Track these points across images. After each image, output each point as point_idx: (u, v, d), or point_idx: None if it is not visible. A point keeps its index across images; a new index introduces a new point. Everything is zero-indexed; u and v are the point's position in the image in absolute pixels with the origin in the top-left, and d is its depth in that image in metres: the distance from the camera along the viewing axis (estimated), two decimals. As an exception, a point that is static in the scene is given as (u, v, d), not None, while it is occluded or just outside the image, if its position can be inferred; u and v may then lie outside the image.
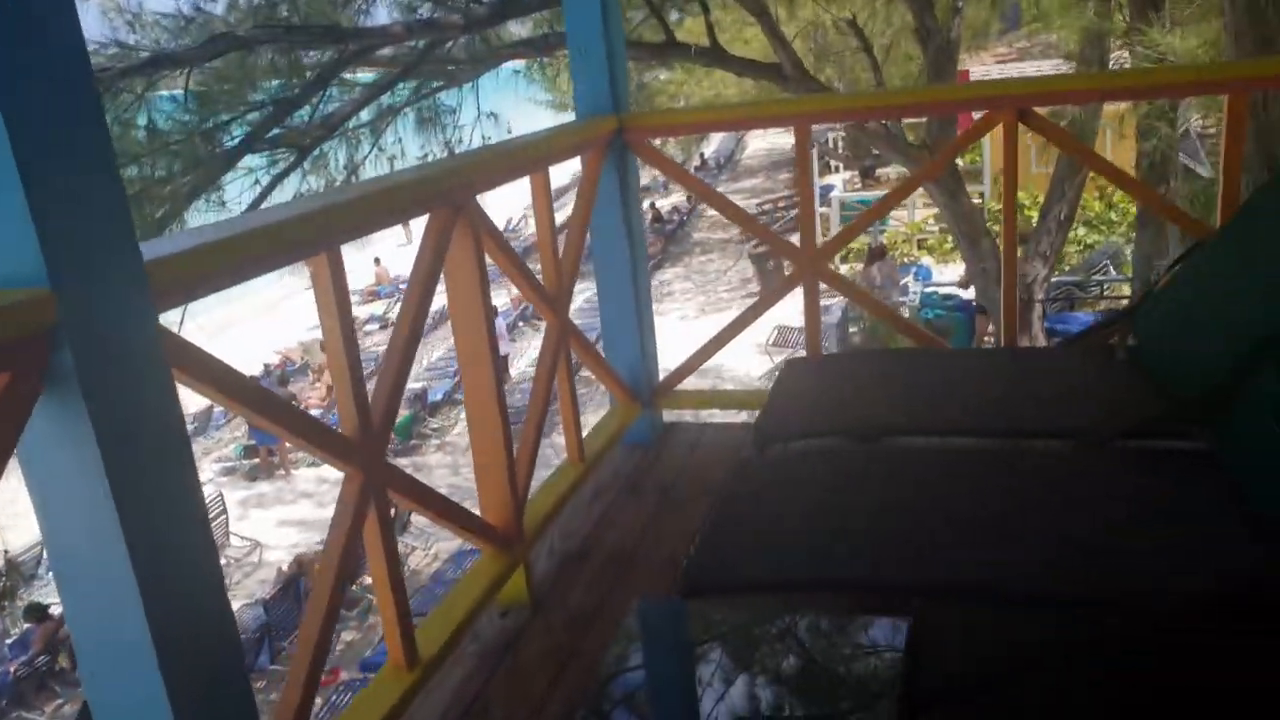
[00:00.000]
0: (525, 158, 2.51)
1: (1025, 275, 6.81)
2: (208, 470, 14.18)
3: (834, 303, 14.28)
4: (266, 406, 1.63)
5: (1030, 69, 17.64)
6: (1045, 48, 23.62)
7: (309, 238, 1.70)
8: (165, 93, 5.30)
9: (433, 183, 2.07)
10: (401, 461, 14.37)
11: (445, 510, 2.22)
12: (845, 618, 1.72)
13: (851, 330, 12.14)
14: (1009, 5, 15.88)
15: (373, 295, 21.88)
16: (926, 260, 16.56)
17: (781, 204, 21.47)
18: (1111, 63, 6.91)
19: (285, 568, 10.71)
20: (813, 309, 3.10)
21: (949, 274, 15.30)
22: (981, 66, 19.45)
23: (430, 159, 8.38)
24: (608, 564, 2.63)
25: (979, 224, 6.85)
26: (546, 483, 2.79)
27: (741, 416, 4.39)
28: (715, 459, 3.17)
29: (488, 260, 2.27)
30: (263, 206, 6.98)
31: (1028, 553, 1.81)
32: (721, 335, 3.26)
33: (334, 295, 1.79)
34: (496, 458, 2.40)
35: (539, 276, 2.70)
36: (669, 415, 3.48)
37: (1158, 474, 2.03)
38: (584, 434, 2.97)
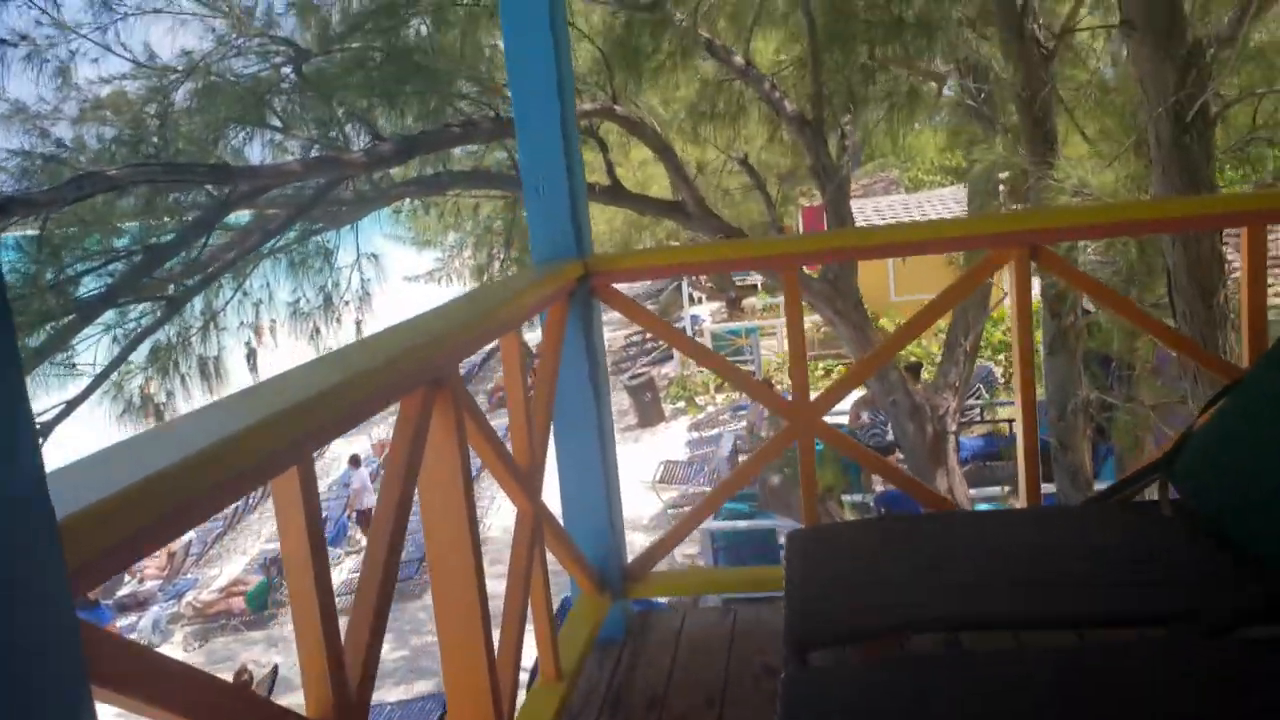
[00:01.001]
0: (502, 318, 2.07)
1: (937, 407, 6.74)
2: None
3: (725, 430, 14.09)
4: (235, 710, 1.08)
5: (883, 205, 18.54)
6: (887, 184, 25.16)
7: (277, 451, 1.20)
8: (8, 236, 4.56)
9: (416, 356, 1.60)
10: (255, 635, 12.93)
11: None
12: None
13: (741, 457, 11.89)
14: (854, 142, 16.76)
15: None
16: (800, 388, 16.70)
17: (650, 335, 21.50)
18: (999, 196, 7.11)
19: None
20: (808, 469, 2.72)
21: (823, 401, 15.40)
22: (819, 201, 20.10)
23: (304, 304, 7.79)
24: (614, 819, 2.08)
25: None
26: (523, 715, 2.24)
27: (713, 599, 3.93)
28: (705, 656, 2.69)
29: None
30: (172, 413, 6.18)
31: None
32: (703, 506, 2.84)
33: (305, 521, 1.28)
34: (480, 696, 1.87)
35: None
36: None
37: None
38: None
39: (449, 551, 1.84)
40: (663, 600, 5.02)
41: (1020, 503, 2.79)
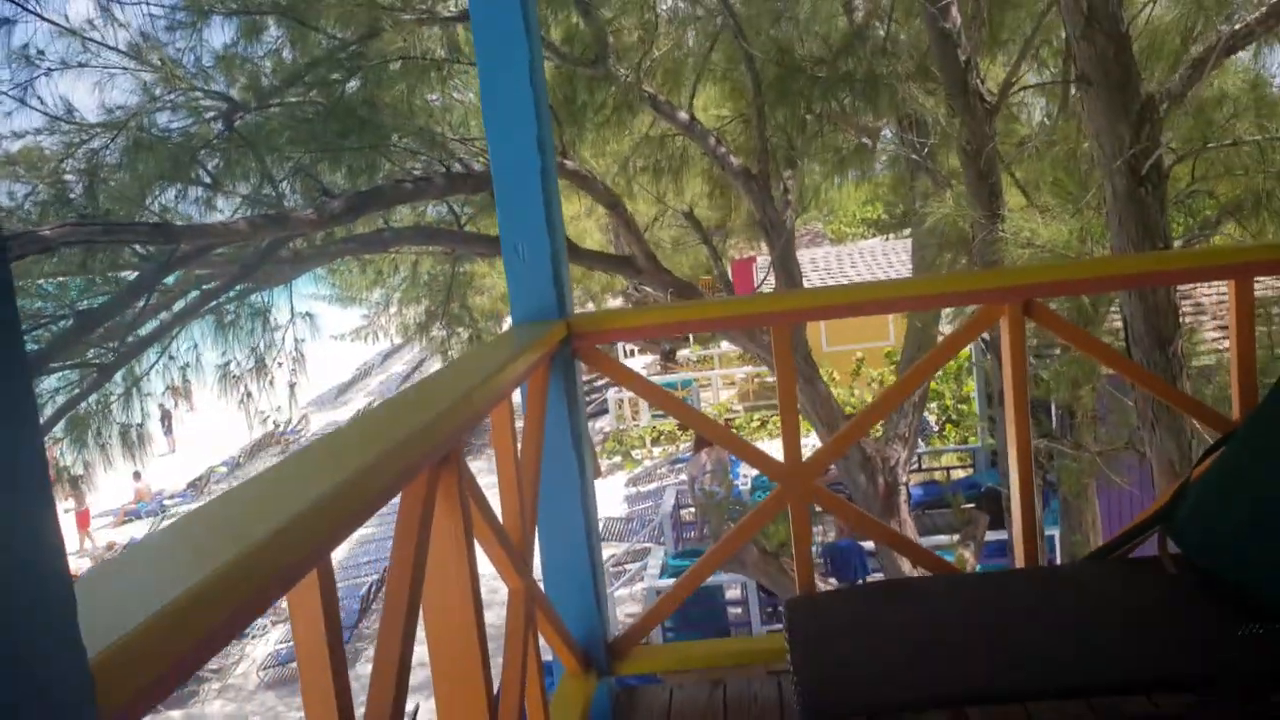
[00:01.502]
0: (496, 386, 1.93)
1: (888, 459, 6.75)
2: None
3: (665, 485, 13.96)
4: None
5: (816, 254, 18.82)
6: (813, 236, 25.64)
7: (297, 559, 1.05)
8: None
9: (426, 437, 1.47)
10: (174, 715, 12.30)
11: None
12: None
13: (683, 512, 11.77)
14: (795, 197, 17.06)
15: (129, 517, 19.16)
16: (736, 440, 16.70)
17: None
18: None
19: None
20: (803, 532, 2.62)
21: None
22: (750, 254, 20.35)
23: (234, 366, 7.47)
24: None
25: (835, 410, 6.76)
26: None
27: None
28: (701, 735, 2.55)
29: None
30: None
31: None
32: (691, 575, 2.71)
33: (324, 630, 1.13)
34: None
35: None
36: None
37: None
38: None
39: (453, 641, 1.68)
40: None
41: (1018, 560, 2.73)
